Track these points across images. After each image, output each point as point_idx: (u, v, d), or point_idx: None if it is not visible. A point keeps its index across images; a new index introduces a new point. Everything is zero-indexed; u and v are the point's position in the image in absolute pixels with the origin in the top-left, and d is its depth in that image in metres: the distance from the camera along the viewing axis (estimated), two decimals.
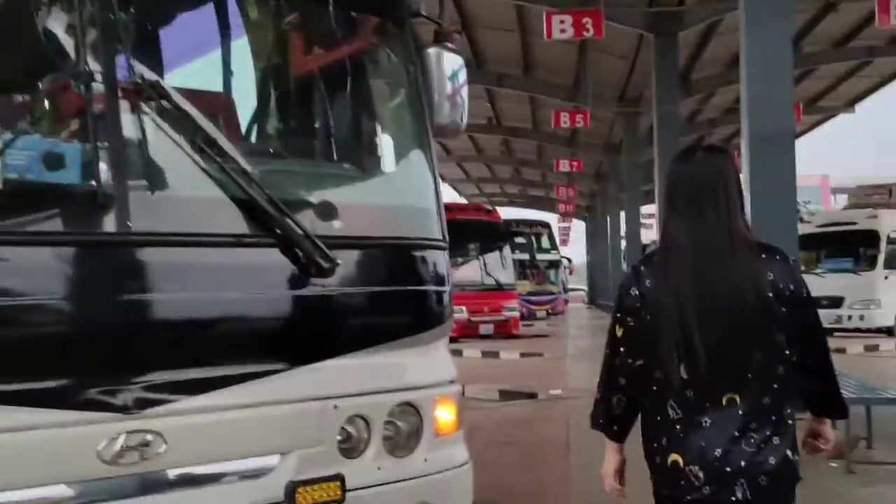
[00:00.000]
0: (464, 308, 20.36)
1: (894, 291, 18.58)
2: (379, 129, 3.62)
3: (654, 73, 17.21)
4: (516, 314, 21.91)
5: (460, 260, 21.46)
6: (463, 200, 41.32)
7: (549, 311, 32.00)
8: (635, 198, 26.16)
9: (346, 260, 2.92)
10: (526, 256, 30.11)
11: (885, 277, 18.57)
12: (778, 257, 2.40)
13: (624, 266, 29.97)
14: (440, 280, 3.34)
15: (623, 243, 31.96)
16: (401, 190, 3.40)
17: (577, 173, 32.80)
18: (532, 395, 10.58)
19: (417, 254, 3.27)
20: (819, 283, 19.01)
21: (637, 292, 2.43)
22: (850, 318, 18.68)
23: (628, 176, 26.39)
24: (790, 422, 2.36)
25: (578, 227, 63.99)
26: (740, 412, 2.29)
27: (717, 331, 2.30)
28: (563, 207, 44.42)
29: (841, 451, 5.55)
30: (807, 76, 23.43)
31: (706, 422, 2.30)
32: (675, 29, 16.62)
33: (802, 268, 16.69)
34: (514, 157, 38.87)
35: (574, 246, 70.51)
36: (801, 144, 34.93)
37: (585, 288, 51.64)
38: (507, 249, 22.11)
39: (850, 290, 18.63)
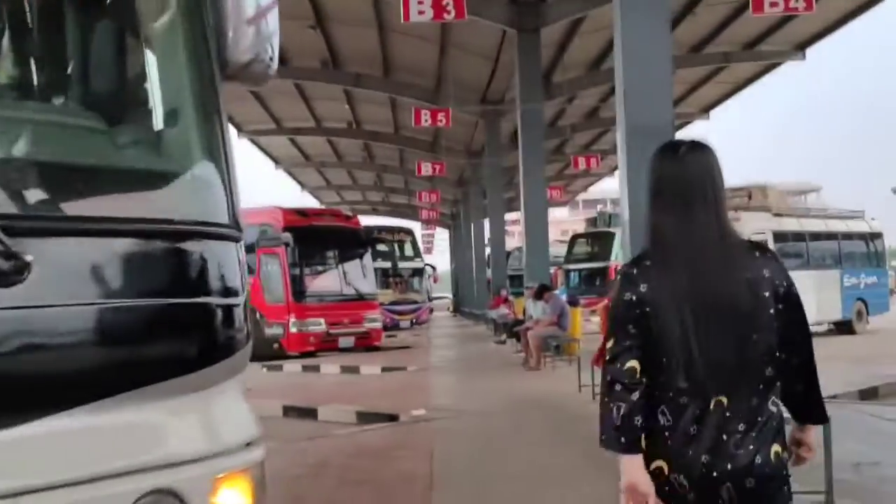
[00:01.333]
0: (322, 320, 19.13)
1: None
2: (132, 60, 2.39)
3: (518, 70, 16.52)
4: (378, 325, 20.81)
5: (319, 269, 20.24)
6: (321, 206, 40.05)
7: (414, 320, 31.16)
8: (498, 203, 25.57)
9: (49, 256, 1.75)
10: (389, 265, 29.05)
11: None
12: (769, 255, 2.39)
13: (489, 272, 29.41)
14: (227, 288, 2.20)
15: (487, 250, 31.40)
16: (162, 148, 2.23)
17: (439, 178, 32.07)
18: (393, 418, 9.48)
19: (188, 246, 2.09)
20: None
21: (635, 298, 2.30)
22: None
23: (491, 181, 25.79)
24: (777, 419, 2.30)
25: (442, 235, 63.46)
26: (728, 414, 2.24)
27: (716, 333, 2.25)
28: (427, 214, 43.67)
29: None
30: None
31: (693, 430, 2.24)
32: (537, 24, 15.97)
33: None
34: (375, 162, 37.93)
35: (438, 254, 70.12)
36: None
37: (450, 296, 51.30)
38: (367, 257, 20.96)
39: None
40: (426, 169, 26.29)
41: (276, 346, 18.95)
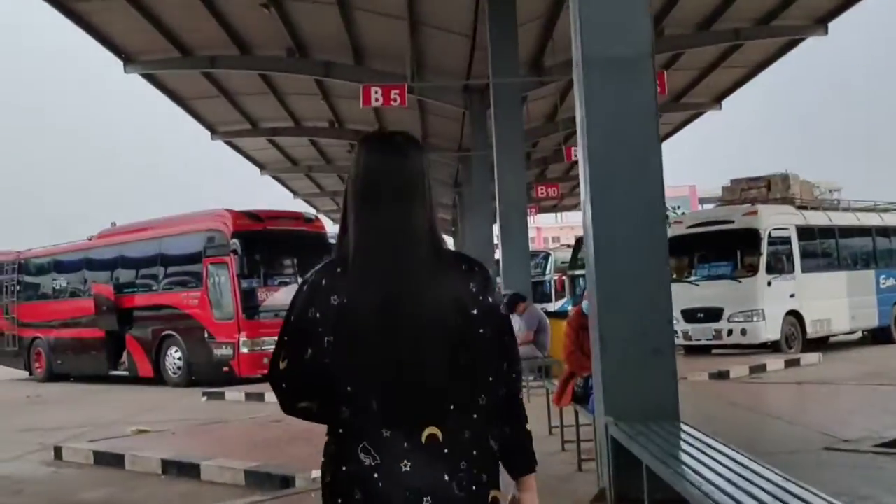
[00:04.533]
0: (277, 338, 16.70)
1: (779, 300, 15.97)
2: None
3: (489, 38, 14.19)
4: None
5: (276, 281, 17.83)
6: (317, 215, 37.55)
7: None
8: (486, 205, 23.16)
9: None
10: None
11: (769, 284, 15.92)
12: (478, 269, 2.14)
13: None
14: None
15: (497, 254, 28.94)
16: None
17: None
18: (287, 481, 7.06)
19: None
20: (694, 293, 16.43)
21: (317, 314, 2.02)
22: (730, 332, 16.07)
23: (480, 179, 23.32)
24: (494, 457, 2.10)
25: (448, 243, 61.08)
26: (445, 450, 1.98)
27: (416, 352, 2.00)
28: None
29: None
30: (672, 64, 21.21)
31: (406, 465, 1.96)
32: None
33: (673, 275, 13.96)
34: None
35: None
36: (668, 149, 33.42)
37: None
38: None
39: (730, 299, 16.03)
40: None
41: (226, 368, 16.55)
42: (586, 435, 7.18)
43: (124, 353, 19.24)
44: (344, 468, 1.98)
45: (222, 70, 21.38)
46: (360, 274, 2.02)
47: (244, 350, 16.24)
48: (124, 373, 19.18)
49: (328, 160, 34.29)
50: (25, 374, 22.14)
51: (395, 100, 13.59)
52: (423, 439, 1.96)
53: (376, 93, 13.68)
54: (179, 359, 17.75)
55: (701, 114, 28.53)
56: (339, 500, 1.99)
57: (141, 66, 20.50)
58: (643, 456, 4.44)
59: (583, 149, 5.55)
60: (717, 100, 27.04)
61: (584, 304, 7.03)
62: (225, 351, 16.60)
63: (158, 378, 18.10)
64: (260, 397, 13.96)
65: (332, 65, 20.87)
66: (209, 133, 28.12)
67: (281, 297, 17.30)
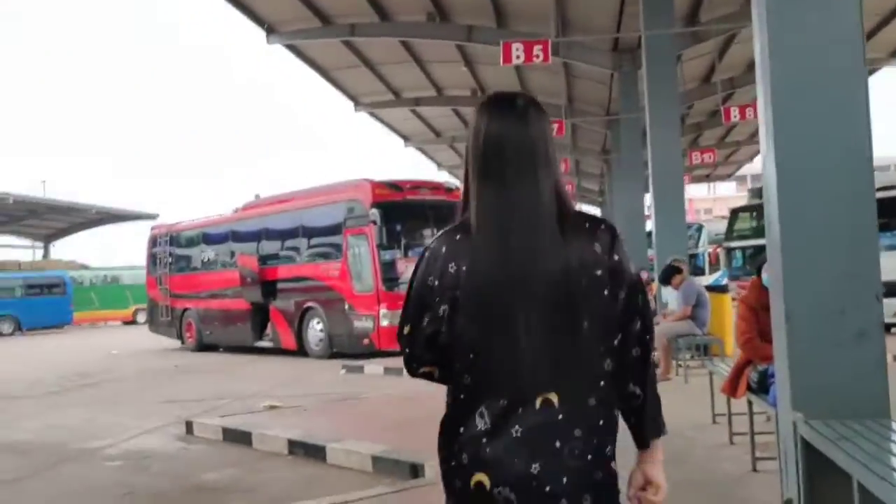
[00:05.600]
0: None
1: None
2: None
3: None
4: None
5: (417, 251, 17.30)
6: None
7: None
8: (637, 171, 21.93)
9: None
10: None
11: None
12: (603, 227, 2.04)
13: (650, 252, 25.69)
14: None
15: (649, 225, 27.67)
16: None
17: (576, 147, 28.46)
18: (416, 469, 6.40)
19: None
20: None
21: (436, 282, 2.01)
22: None
23: (629, 145, 22.02)
24: (616, 427, 2.01)
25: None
26: (560, 416, 1.91)
27: (537, 318, 1.93)
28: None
29: None
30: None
31: (517, 431, 1.90)
32: None
33: None
34: None
35: None
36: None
37: None
38: None
39: None
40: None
41: (366, 341, 16.22)
42: (762, 426, 6.16)
43: (269, 325, 19.30)
44: (461, 430, 1.96)
45: (363, 38, 21.08)
46: (481, 241, 1.99)
47: (384, 322, 15.82)
48: (269, 344, 19.24)
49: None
50: (178, 343, 22.69)
51: (537, 56, 12.59)
52: (538, 405, 1.91)
53: (517, 49, 12.71)
54: (321, 331, 17.56)
55: (875, 70, 26.07)
56: (452, 464, 1.97)
57: (283, 36, 20.43)
58: (852, 467, 3.46)
59: (764, 84, 4.51)
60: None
61: (765, 276, 5.96)
62: (365, 323, 16.24)
63: (301, 350, 18.01)
64: (398, 372, 13.46)
65: (473, 28, 20.14)
66: (353, 105, 28.09)
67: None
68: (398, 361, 14.48)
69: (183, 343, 22.53)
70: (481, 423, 1.92)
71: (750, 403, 5.86)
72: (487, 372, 1.93)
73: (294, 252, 18.92)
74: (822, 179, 4.33)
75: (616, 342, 1.99)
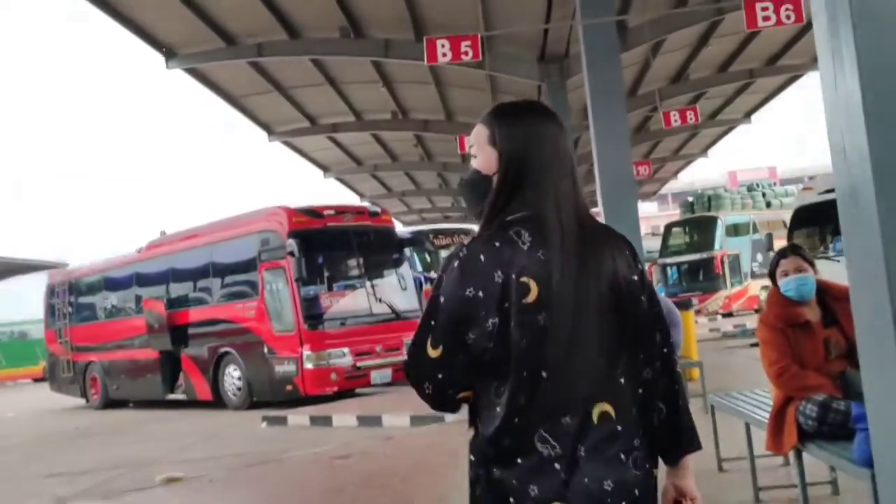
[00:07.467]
0: (346, 350, 14.49)
1: None
2: None
3: None
4: None
5: (342, 285, 15.70)
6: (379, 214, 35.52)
7: None
8: None
9: None
10: None
11: None
12: (615, 233, 2.05)
13: None
14: None
15: None
16: None
17: None
18: None
19: None
20: (834, 270, 13.76)
21: (479, 293, 1.87)
22: None
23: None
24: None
25: None
26: (619, 427, 1.87)
27: (591, 326, 1.87)
28: None
29: None
30: (700, 98, 23.44)
31: (581, 449, 1.83)
32: None
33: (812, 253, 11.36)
34: (435, 160, 33.39)
35: None
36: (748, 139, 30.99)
37: None
38: (405, 265, 16.35)
39: None
40: None
41: (289, 387, 14.50)
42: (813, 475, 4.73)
43: (181, 375, 17.39)
44: (518, 462, 1.82)
45: (273, 59, 19.54)
46: (529, 249, 1.89)
47: (308, 365, 14.15)
48: (182, 396, 17.33)
49: (393, 157, 32.34)
50: (83, 401, 20.52)
51: (466, 53, 11.25)
52: (596, 418, 1.84)
53: (443, 46, 11.36)
54: (239, 378, 15.75)
55: (734, 127, 28.68)
56: (511, 500, 1.80)
57: (184, 59, 18.76)
58: None
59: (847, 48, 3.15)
60: (746, 115, 24.23)
61: (781, 282, 4.61)
62: (287, 367, 14.51)
63: (218, 401, 16.17)
64: (327, 421, 11.86)
65: (390, 42, 18.77)
66: (266, 134, 26.46)
67: (346, 301, 15.21)
68: (324, 409, 12.86)
69: (87, 401, 20.36)
70: (545, 449, 1.81)
71: (799, 453, 4.34)
72: (546, 389, 1.83)
73: (205, 293, 17.09)
74: None
75: (651, 351, 1.95)
